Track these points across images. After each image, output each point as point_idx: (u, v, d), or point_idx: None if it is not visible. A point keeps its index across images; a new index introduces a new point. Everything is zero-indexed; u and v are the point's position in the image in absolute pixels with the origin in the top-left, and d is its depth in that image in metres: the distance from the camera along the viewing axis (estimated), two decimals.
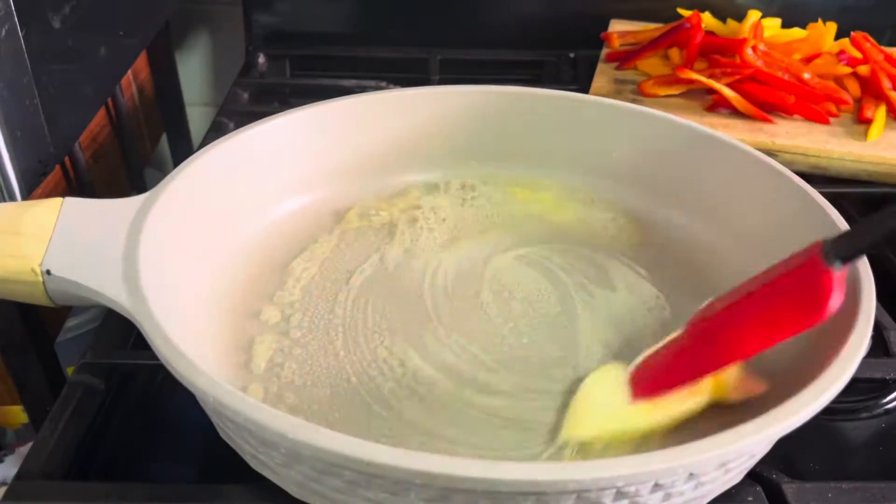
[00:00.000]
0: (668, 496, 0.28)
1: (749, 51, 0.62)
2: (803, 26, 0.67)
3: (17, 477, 0.33)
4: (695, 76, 0.61)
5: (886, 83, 0.61)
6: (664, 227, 0.47)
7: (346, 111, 0.48)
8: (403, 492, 0.27)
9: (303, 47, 0.77)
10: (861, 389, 0.39)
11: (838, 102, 0.60)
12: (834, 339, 0.31)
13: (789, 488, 0.33)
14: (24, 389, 0.52)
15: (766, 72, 0.61)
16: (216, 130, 0.61)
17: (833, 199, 0.40)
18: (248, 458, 0.32)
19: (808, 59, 0.64)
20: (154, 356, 0.30)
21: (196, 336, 0.37)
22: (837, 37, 0.66)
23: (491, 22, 0.78)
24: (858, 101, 0.61)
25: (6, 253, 0.35)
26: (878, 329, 0.42)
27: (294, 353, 0.38)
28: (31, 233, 0.36)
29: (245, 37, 0.79)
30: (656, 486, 0.27)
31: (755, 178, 0.44)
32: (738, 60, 0.62)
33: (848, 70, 0.63)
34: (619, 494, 0.27)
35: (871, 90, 0.61)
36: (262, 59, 0.75)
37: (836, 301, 0.29)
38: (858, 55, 0.63)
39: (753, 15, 0.67)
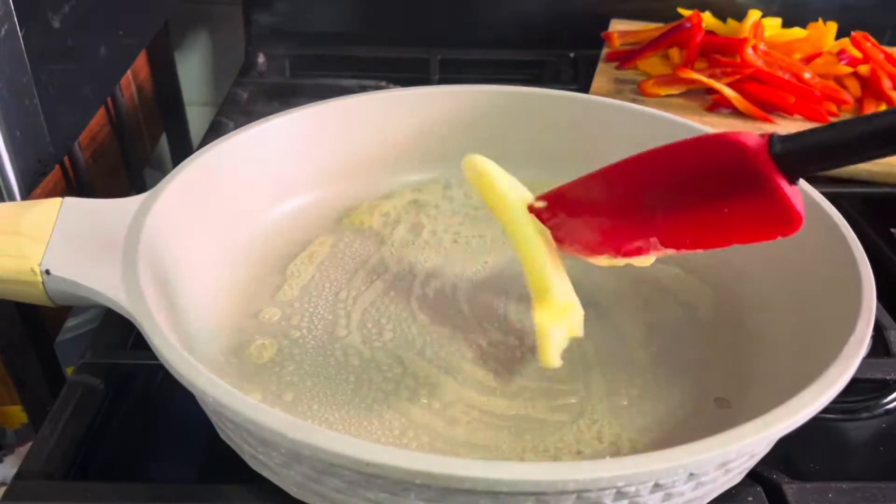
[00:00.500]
0: (668, 496, 0.28)
1: (749, 50, 0.62)
2: (803, 26, 0.67)
3: (17, 477, 0.33)
4: (695, 76, 0.61)
5: (887, 83, 0.61)
6: None
7: (346, 111, 0.48)
8: (403, 492, 0.27)
9: (303, 47, 0.77)
10: (861, 389, 0.39)
11: (839, 102, 0.60)
12: (834, 339, 0.31)
13: (789, 488, 0.33)
14: (24, 389, 0.52)
15: (766, 71, 0.61)
16: (216, 130, 0.61)
17: (833, 199, 0.40)
18: (247, 459, 0.32)
19: (809, 59, 0.64)
20: (154, 356, 0.30)
21: (196, 336, 0.37)
22: (838, 36, 0.66)
23: (491, 22, 0.78)
24: (859, 101, 0.61)
25: (6, 253, 0.35)
26: (878, 329, 0.42)
27: (293, 353, 0.38)
28: (30, 233, 0.36)
29: (245, 37, 0.79)
30: (656, 487, 0.27)
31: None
32: (738, 60, 0.62)
33: (848, 70, 0.63)
34: (619, 494, 0.27)
35: (871, 90, 0.61)
36: (261, 58, 0.75)
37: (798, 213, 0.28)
38: (859, 55, 0.63)
39: (754, 14, 0.67)
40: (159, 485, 0.33)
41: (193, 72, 0.87)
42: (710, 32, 0.67)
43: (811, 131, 0.28)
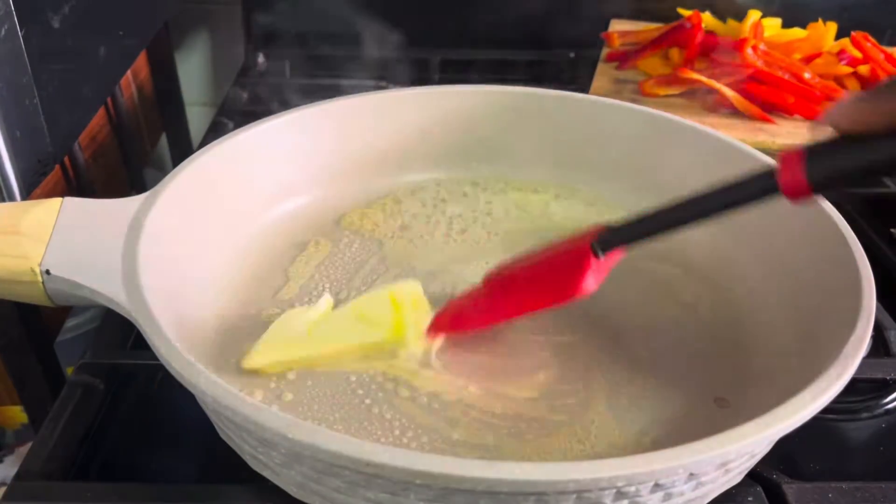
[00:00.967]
0: (668, 496, 0.28)
1: (749, 51, 0.62)
2: (803, 26, 0.67)
3: (17, 477, 0.33)
4: (695, 76, 0.61)
5: None
6: None
7: (346, 111, 0.48)
8: (403, 492, 0.27)
9: (303, 47, 0.77)
10: (861, 389, 0.39)
11: None
12: (834, 339, 0.31)
13: (789, 488, 0.33)
14: (24, 389, 0.52)
15: (766, 72, 0.61)
16: (216, 130, 0.61)
17: (833, 199, 0.40)
18: (247, 459, 0.32)
19: (809, 59, 0.64)
20: (154, 356, 0.30)
21: (195, 336, 0.37)
22: (838, 36, 0.66)
23: (491, 22, 0.78)
24: None
25: (6, 253, 0.35)
26: (878, 329, 0.42)
27: None
28: (30, 233, 0.36)
29: (245, 37, 0.79)
30: (656, 487, 0.27)
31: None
32: (738, 60, 0.62)
33: (848, 70, 0.63)
34: (619, 494, 0.27)
35: None
36: (261, 59, 0.75)
37: (590, 284, 0.34)
38: (859, 55, 0.63)
39: (754, 15, 0.67)
40: (159, 485, 0.33)
41: (193, 72, 0.87)
42: (710, 32, 0.67)
43: (625, 228, 0.34)
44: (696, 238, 0.45)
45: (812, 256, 0.38)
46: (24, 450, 0.59)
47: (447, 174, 0.51)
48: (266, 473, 0.31)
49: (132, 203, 0.38)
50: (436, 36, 0.76)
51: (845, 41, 0.65)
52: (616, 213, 0.48)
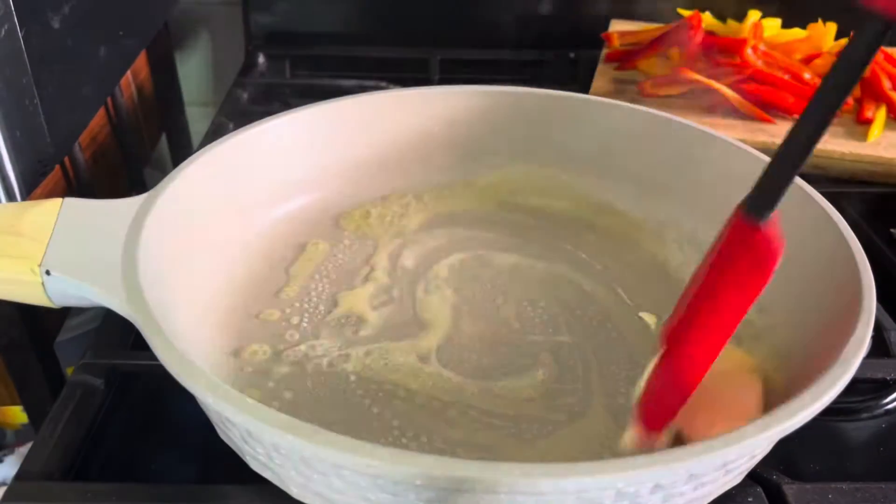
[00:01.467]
0: (668, 497, 0.28)
1: (749, 51, 0.62)
2: (803, 26, 0.67)
3: (17, 477, 0.33)
4: (695, 76, 0.61)
5: (887, 83, 0.61)
6: (664, 227, 0.47)
7: (346, 111, 0.48)
8: (403, 492, 0.27)
9: (303, 47, 0.77)
10: (861, 390, 0.39)
11: None
12: (834, 340, 0.31)
13: (790, 489, 0.33)
14: (24, 389, 0.52)
15: (766, 72, 0.61)
16: (216, 130, 0.61)
17: (833, 199, 0.40)
18: (247, 459, 0.32)
19: (808, 59, 0.64)
20: (154, 356, 0.30)
21: (195, 336, 0.37)
22: (838, 36, 0.66)
23: (491, 22, 0.78)
24: (858, 102, 0.61)
25: (6, 253, 0.35)
26: (878, 329, 0.42)
27: (293, 353, 0.38)
28: (30, 233, 0.36)
29: (245, 37, 0.79)
30: (656, 487, 0.27)
31: (754, 179, 0.43)
32: (738, 60, 0.62)
33: None
34: (619, 495, 0.27)
35: (871, 90, 0.61)
36: (261, 59, 0.75)
37: (777, 251, 0.29)
38: None
39: (754, 15, 0.67)
40: (159, 485, 0.33)
41: (193, 72, 0.87)
42: (710, 33, 0.67)
43: (771, 179, 0.29)
44: (699, 239, 0.45)
45: (812, 257, 0.38)
46: (24, 450, 0.59)
47: (447, 174, 0.51)
48: (266, 474, 0.31)
49: (132, 203, 0.38)
50: (436, 36, 0.76)
51: (845, 41, 0.65)
52: (616, 212, 0.48)
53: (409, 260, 0.45)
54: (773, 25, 0.68)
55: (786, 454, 0.36)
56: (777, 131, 0.58)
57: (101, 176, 0.65)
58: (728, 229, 0.29)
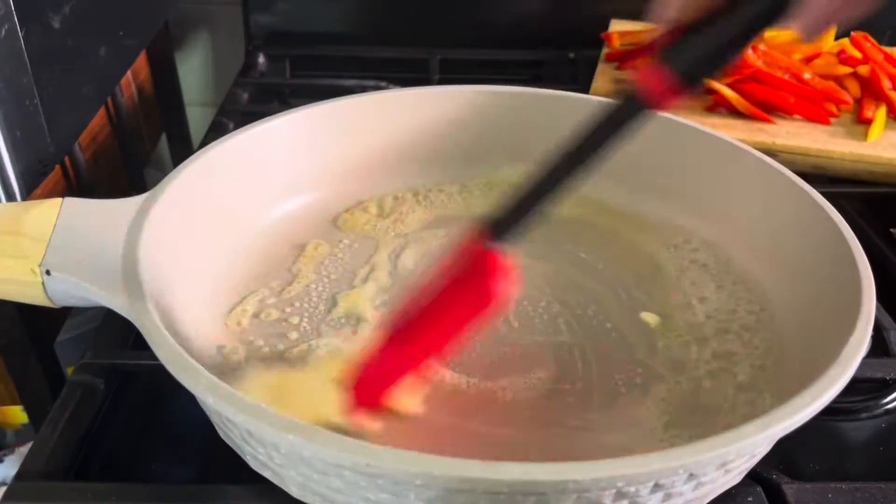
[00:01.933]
0: (668, 496, 0.28)
1: (749, 51, 0.62)
2: None
3: (17, 477, 0.33)
4: None
5: (886, 83, 0.61)
6: (664, 227, 0.47)
7: (345, 111, 0.48)
8: (403, 492, 0.27)
9: (303, 47, 0.77)
10: (861, 389, 0.39)
11: (838, 102, 0.60)
12: (834, 340, 0.31)
13: (789, 489, 0.33)
14: (24, 389, 0.52)
15: (766, 72, 0.61)
16: (216, 130, 0.61)
17: (833, 199, 0.40)
18: (248, 459, 0.32)
19: (809, 59, 0.64)
20: (154, 356, 0.30)
21: (195, 336, 0.37)
22: (837, 37, 0.66)
23: (491, 22, 0.78)
24: (858, 101, 0.61)
25: (6, 253, 0.35)
26: (878, 329, 0.42)
27: (294, 353, 0.38)
28: (30, 233, 0.36)
29: (245, 37, 0.79)
30: (656, 487, 0.27)
31: (755, 179, 0.44)
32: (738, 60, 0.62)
33: (848, 70, 0.63)
34: (619, 494, 0.27)
35: (871, 90, 0.61)
36: (261, 59, 0.75)
37: (502, 280, 0.29)
38: (858, 55, 0.63)
39: None
40: (159, 485, 0.33)
41: (193, 72, 0.87)
42: None
43: (510, 211, 0.30)
44: (699, 239, 0.45)
45: (812, 257, 0.39)
46: (24, 450, 0.59)
47: (446, 174, 0.51)
48: (266, 473, 0.31)
49: (132, 203, 0.38)
50: (436, 36, 0.76)
51: (845, 41, 0.65)
52: (616, 212, 0.48)
53: (409, 260, 0.45)
54: None
55: (786, 454, 0.36)
56: (777, 131, 0.58)
57: (101, 176, 0.65)
58: (466, 244, 0.30)
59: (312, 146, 0.48)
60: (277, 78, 0.76)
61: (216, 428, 0.33)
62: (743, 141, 0.46)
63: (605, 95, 0.59)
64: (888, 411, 0.38)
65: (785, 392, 0.29)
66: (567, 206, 0.49)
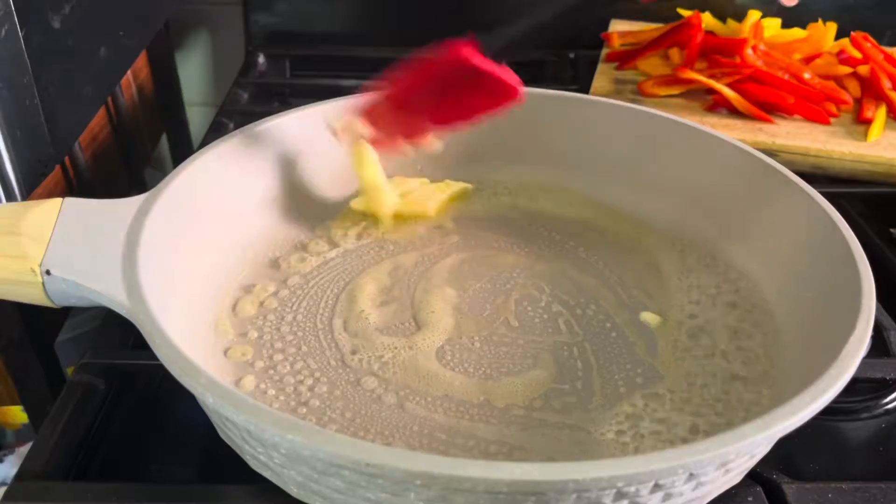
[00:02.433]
0: (668, 496, 0.28)
1: (749, 51, 0.62)
2: (803, 26, 0.67)
3: (17, 477, 0.33)
4: (695, 76, 0.61)
5: (886, 83, 0.61)
6: (664, 228, 0.47)
7: (345, 112, 0.48)
8: (403, 492, 0.27)
9: (303, 47, 0.77)
10: (861, 389, 0.39)
11: (838, 102, 0.60)
12: (834, 339, 0.31)
13: (789, 489, 0.33)
14: (24, 389, 0.52)
15: (766, 72, 0.61)
16: (216, 130, 0.61)
17: (833, 199, 0.40)
18: (248, 459, 0.32)
19: (809, 59, 0.64)
20: (154, 356, 0.30)
21: (196, 336, 0.37)
22: (837, 37, 0.66)
23: (491, 22, 0.78)
24: (858, 101, 0.61)
25: (6, 253, 0.35)
26: (878, 329, 0.42)
27: (294, 352, 0.38)
28: (30, 233, 0.36)
29: (245, 37, 0.79)
30: (656, 487, 0.27)
31: (754, 179, 0.44)
32: (738, 60, 0.62)
33: (848, 70, 0.63)
34: (619, 494, 0.27)
35: (871, 90, 0.61)
36: (261, 59, 0.75)
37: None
38: (858, 55, 0.63)
39: (753, 15, 0.67)
40: (159, 485, 0.33)
41: (193, 72, 0.87)
42: (709, 33, 0.67)
43: None
44: (700, 240, 0.45)
45: (812, 257, 0.39)
46: (24, 450, 0.59)
47: (445, 174, 0.51)
48: (266, 473, 0.31)
49: (132, 203, 0.38)
50: (436, 36, 0.76)
51: (845, 41, 0.65)
52: (616, 212, 0.48)
53: (409, 259, 0.45)
54: (773, 25, 0.68)
55: (786, 454, 0.36)
56: (777, 131, 0.58)
57: (101, 176, 0.65)
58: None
59: (312, 146, 0.48)
60: (277, 78, 0.76)
61: (216, 428, 0.33)
62: (743, 141, 0.46)
63: (605, 95, 0.59)
64: (888, 411, 0.38)
65: (785, 392, 0.29)
66: (568, 206, 0.49)
